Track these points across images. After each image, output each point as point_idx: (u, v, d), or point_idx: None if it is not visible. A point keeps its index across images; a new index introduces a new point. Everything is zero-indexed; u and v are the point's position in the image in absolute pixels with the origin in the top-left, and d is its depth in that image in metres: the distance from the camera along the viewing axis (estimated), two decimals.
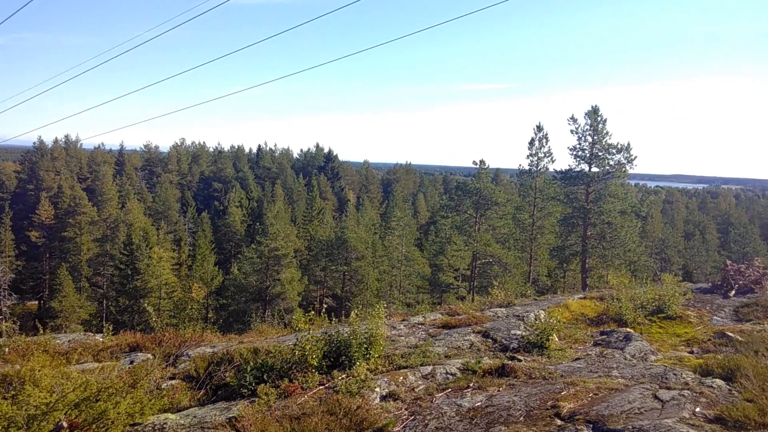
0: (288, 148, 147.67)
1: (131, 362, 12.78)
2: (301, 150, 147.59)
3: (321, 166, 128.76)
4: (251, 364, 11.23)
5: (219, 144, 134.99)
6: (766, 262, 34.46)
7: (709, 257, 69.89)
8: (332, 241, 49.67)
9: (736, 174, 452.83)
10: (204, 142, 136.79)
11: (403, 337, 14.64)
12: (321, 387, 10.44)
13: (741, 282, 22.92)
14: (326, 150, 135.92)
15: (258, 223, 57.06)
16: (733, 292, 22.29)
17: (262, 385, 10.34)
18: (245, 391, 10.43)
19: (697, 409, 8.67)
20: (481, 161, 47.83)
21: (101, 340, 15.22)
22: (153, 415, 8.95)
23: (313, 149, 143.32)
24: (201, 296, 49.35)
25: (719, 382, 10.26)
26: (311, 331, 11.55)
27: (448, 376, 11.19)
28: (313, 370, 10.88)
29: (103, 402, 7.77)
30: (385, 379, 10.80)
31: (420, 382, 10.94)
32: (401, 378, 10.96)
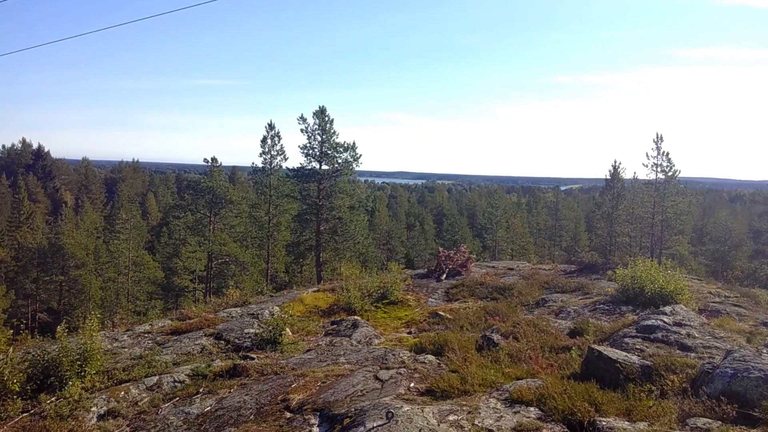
0: None
1: None
2: (3, 146, 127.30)
3: (29, 164, 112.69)
4: None
5: None
6: (471, 248, 39.72)
7: (427, 245, 77.94)
8: (45, 248, 44.07)
9: (448, 171, 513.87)
10: None
11: (126, 349, 13.55)
12: (25, 414, 9.22)
13: (451, 266, 26.03)
14: (35, 146, 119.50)
15: None
16: (445, 275, 25.21)
17: None
18: None
19: (412, 385, 9.53)
20: (213, 158, 46.61)
21: None
22: None
23: (19, 145, 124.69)
24: None
25: (430, 357, 11.47)
26: (11, 352, 10.07)
27: (177, 384, 10.66)
28: (15, 397, 9.56)
29: None
30: (104, 396, 9.91)
31: (144, 395, 10.23)
32: (123, 393, 10.14)
